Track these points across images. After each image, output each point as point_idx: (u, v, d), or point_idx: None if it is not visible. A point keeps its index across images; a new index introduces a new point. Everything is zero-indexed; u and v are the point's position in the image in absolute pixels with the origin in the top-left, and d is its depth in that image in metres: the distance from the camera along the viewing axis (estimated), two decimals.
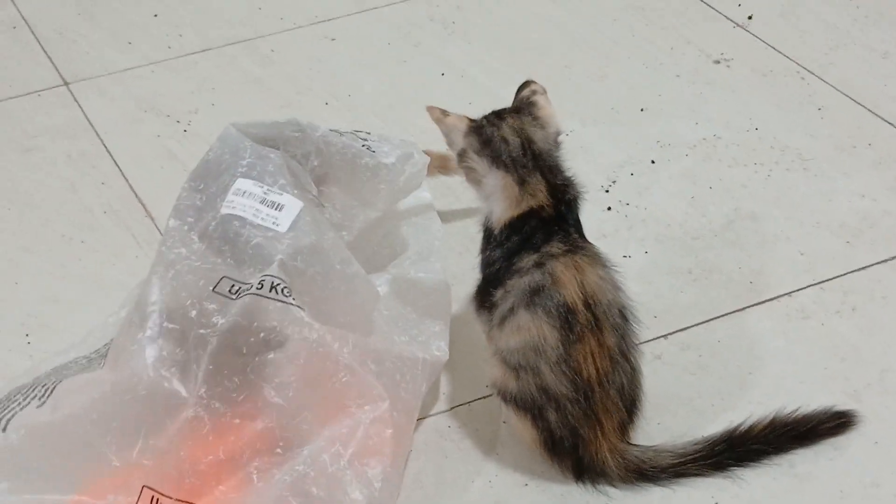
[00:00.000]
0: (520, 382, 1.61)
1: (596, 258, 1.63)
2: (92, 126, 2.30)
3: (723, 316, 1.89)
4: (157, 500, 1.51)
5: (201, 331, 1.55)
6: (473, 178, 1.69)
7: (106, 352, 1.64)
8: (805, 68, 2.38)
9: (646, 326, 1.82)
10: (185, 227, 1.65)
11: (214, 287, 1.58)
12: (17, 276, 1.98)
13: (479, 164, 1.67)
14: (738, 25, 2.51)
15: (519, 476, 1.67)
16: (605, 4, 2.60)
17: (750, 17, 2.53)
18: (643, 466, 1.63)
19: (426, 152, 1.84)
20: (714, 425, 1.69)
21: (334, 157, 1.80)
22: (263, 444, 1.54)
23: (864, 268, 1.95)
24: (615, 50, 2.47)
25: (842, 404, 1.71)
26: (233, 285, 1.59)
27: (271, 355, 1.55)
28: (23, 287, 1.96)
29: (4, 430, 1.54)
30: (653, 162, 2.17)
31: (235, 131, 1.73)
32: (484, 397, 1.74)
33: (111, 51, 2.50)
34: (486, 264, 1.67)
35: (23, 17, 2.60)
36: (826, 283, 1.93)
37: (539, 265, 1.60)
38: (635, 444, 1.64)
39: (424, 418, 1.74)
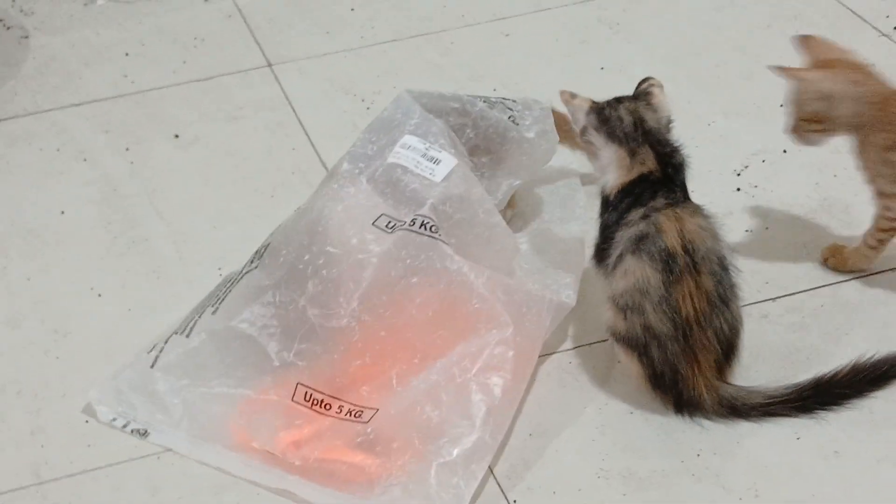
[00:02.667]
0: (627, 322, 1.85)
1: (696, 210, 1.87)
2: (289, 101, 2.62)
3: (829, 285, 2.09)
4: (311, 395, 1.80)
5: (360, 256, 1.84)
6: (592, 152, 1.94)
7: (264, 252, 1.94)
8: None
9: (756, 290, 2.06)
10: (356, 171, 1.95)
11: (374, 221, 1.88)
12: (216, 221, 2.31)
13: (597, 139, 1.92)
14: (883, 34, 2.69)
15: (626, 406, 1.91)
16: (762, 12, 2.81)
17: None
18: (735, 403, 1.85)
19: (554, 112, 2.09)
20: (805, 375, 1.89)
21: (487, 130, 2.07)
22: (404, 354, 1.82)
23: None
24: (765, 52, 2.66)
25: None
26: (389, 221, 1.88)
27: (415, 279, 1.83)
28: (220, 230, 2.29)
29: (188, 335, 1.87)
30: (784, 151, 2.37)
31: (408, 96, 2.02)
32: (604, 340, 1.98)
33: (312, 38, 2.83)
34: (604, 226, 1.92)
35: (237, 8, 2.95)
36: None
37: (645, 217, 1.84)
38: (730, 384, 1.86)
39: (551, 354, 1.99)
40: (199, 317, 1.89)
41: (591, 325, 2.03)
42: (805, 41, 2.02)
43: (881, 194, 2.01)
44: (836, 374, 1.86)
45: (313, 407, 1.80)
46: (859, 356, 1.87)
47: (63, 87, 2.69)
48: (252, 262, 1.96)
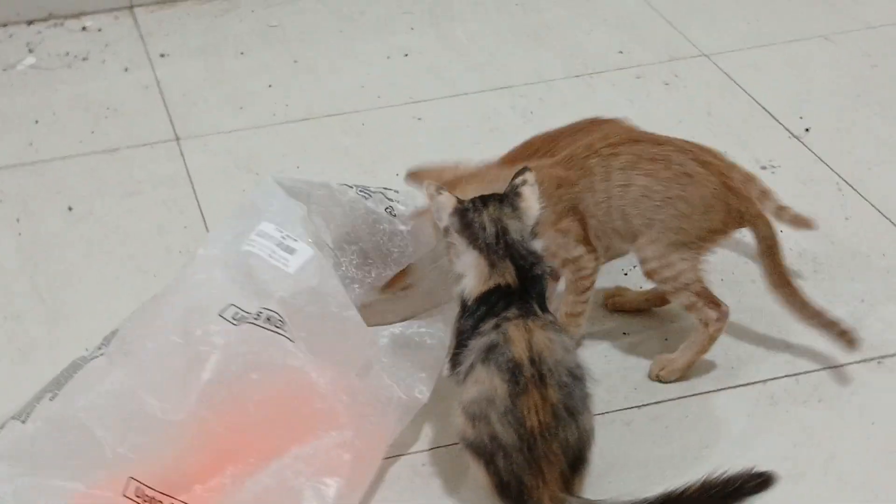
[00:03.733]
0: (476, 430, 1.81)
1: (548, 324, 1.83)
2: (189, 177, 2.60)
3: (697, 395, 2.05)
4: (142, 490, 1.76)
5: (202, 348, 1.81)
6: (453, 252, 1.89)
7: (112, 338, 1.90)
8: (844, 180, 2.52)
9: (623, 396, 2.02)
10: (211, 258, 1.91)
11: (222, 312, 1.84)
12: (94, 300, 2.28)
13: (459, 241, 1.88)
14: (793, 136, 2.67)
15: None
16: (676, 108, 2.79)
17: (807, 130, 2.68)
18: None
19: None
20: (660, 488, 1.84)
21: (357, 219, 2.05)
22: (240, 453, 1.79)
23: (841, 365, 2.08)
24: None
25: (784, 482, 1.86)
26: (237, 312, 1.84)
27: (255, 376, 1.80)
28: (96, 309, 2.26)
29: (24, 422, 1.83)
30: None
31: (273, 182, 2.00)
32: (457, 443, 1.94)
33: (224, 113, 2.82)
34: (459, 332, 1.88)
35: (156, 79, 2.94)
36: (802, 375, 2.07)
37: (496, 327, 1.81)
38: (577, 496, 1.82)
39: (403, 455, 1.95)
40: (38, 403, 1.86)
41: (448, 426, 1.98)
42: (416, 175, 2.06)
43: (567, 262, 2.03)
44: (685, 490, 1.82)
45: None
46: (711, 472, 1.83)
47: None
48: (99, 348, 1.92)
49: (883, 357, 2.10)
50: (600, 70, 2.93)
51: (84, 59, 3.03)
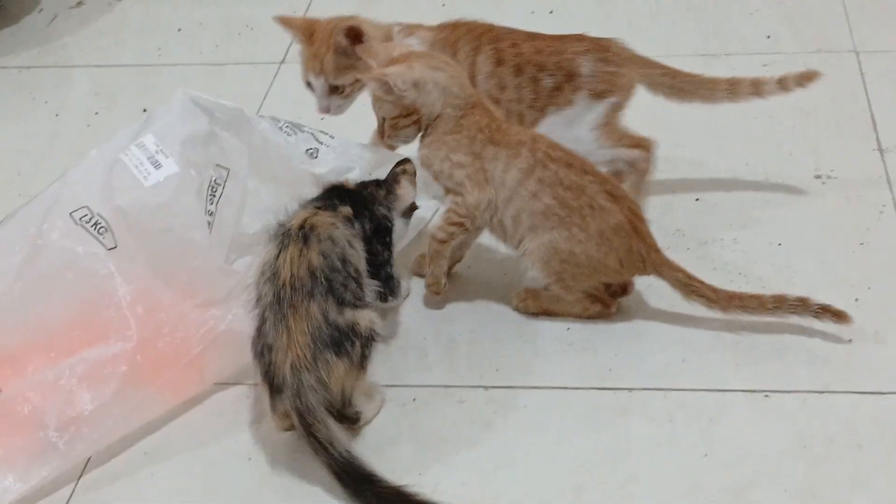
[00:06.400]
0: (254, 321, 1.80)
1: (342, 218, 1.86)
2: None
3: (558, 388, 1.91)
4: None
5: (39, 241, 1.91)
6: None
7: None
8: None
9: (479, 374, 1.94)
10: (97, 160, 1.99)
11: (73, 212, 1.93)
12: None
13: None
14: (878, 149, 2.37)
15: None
16: (777, 101, 2.52)
17: None
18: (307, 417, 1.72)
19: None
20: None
21: (270, 151, 2.07)
22: (44, 346, 1.88)
23: (723, 391, 1.88)
24: None
25: None
26: (85, 214, 1.93)
27: (71, 276, 1.88)
28: None
29: None
30: None
31: (183, 96, 2.04)
32: None
33: None
34: None
35: (308, 2, 3.04)
36: (675, 391, 1.89)
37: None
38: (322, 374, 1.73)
39: (238, 384, 1.96)
40: None
41: None
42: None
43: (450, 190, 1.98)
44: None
45: None
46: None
47: (100, 44, 2.93)
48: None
49: (771, 392, 1.87)
50: (732, 52, 2.73)
51: None
